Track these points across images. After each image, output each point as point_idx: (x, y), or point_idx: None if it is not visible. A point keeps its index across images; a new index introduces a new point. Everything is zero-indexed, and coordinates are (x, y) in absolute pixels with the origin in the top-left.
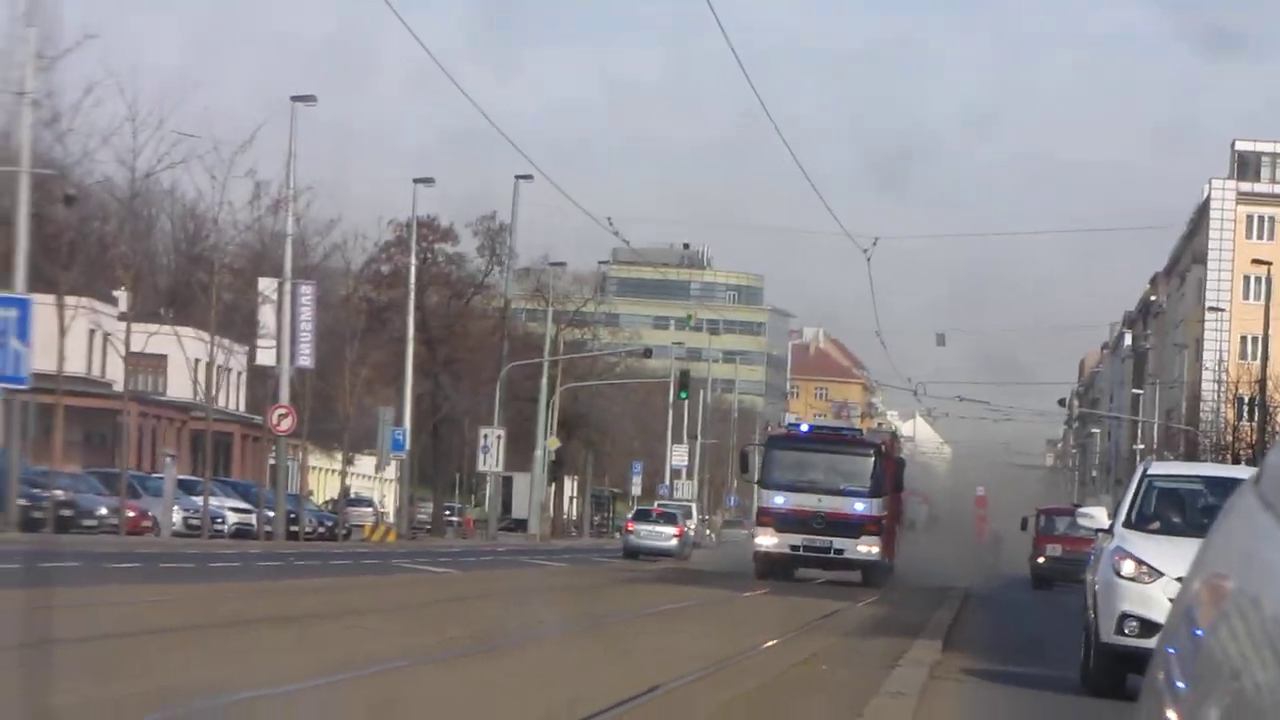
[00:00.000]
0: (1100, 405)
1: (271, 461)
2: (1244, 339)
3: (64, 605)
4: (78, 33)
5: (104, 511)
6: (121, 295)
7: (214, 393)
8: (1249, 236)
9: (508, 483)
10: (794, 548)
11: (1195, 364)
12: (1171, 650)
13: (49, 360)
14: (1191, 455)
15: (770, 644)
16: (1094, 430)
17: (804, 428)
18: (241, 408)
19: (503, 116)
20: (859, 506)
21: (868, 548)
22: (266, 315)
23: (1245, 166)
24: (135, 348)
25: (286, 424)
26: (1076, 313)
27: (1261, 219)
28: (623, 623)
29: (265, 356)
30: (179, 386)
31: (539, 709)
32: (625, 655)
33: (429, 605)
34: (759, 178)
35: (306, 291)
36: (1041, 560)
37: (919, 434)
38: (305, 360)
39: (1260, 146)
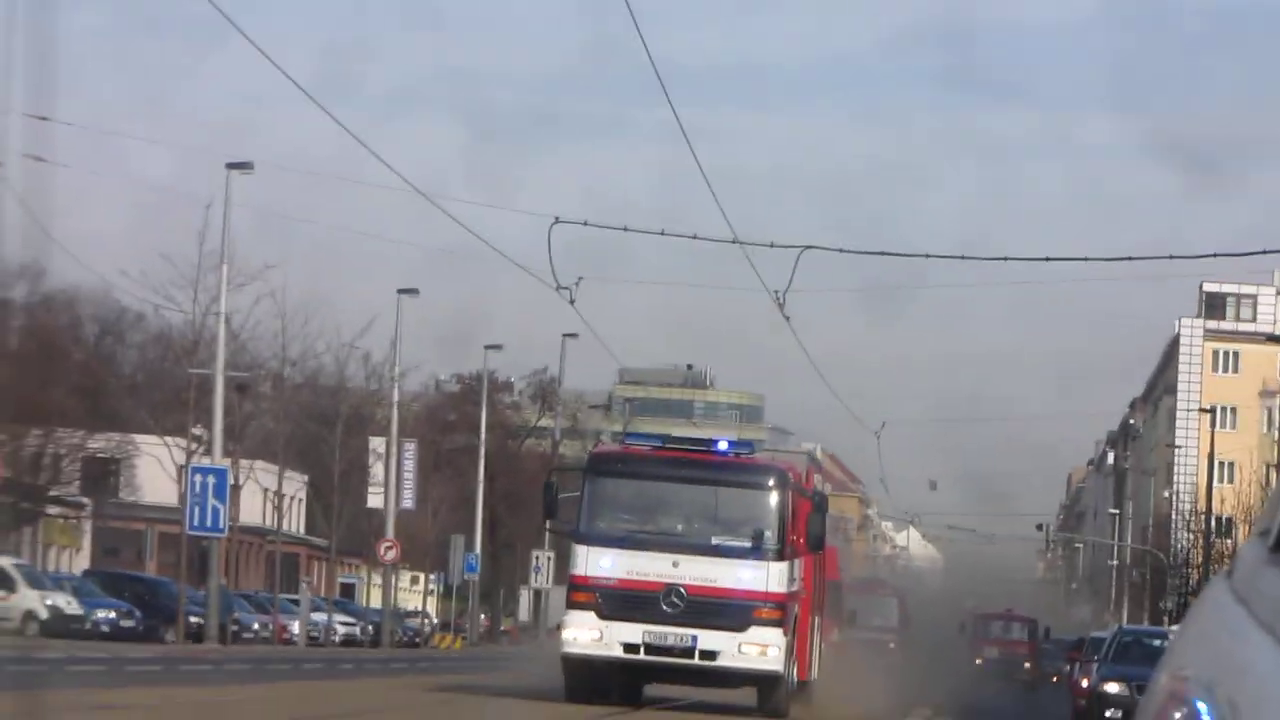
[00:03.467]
0: (1086, 519)
1: (346, 579)
2: (1219, 462)
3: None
4: (259, 263)
5: (257, 626)
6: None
7: (281, 519)
8: (1215, 370)
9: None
10: (630, 648)
11: (1165, 489)
12: None
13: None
14: (1158, 575)
15: None
16: (1079, 544)
17: (650, 443)
18: (301, 530)
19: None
20: (746, 575)
21: (760, 648)
22: (376, 467)
23: (1213, 307)
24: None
25: (392, 555)
26: (1065, 426)
27: (1227, 354)
28: None
29: (375, 500)
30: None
31: None
32: None
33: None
34: (746, 301)
35: (409, 448)
36: (979, 662)
37: (912, 544)
38: (408, 503)
39: (1225, 288)
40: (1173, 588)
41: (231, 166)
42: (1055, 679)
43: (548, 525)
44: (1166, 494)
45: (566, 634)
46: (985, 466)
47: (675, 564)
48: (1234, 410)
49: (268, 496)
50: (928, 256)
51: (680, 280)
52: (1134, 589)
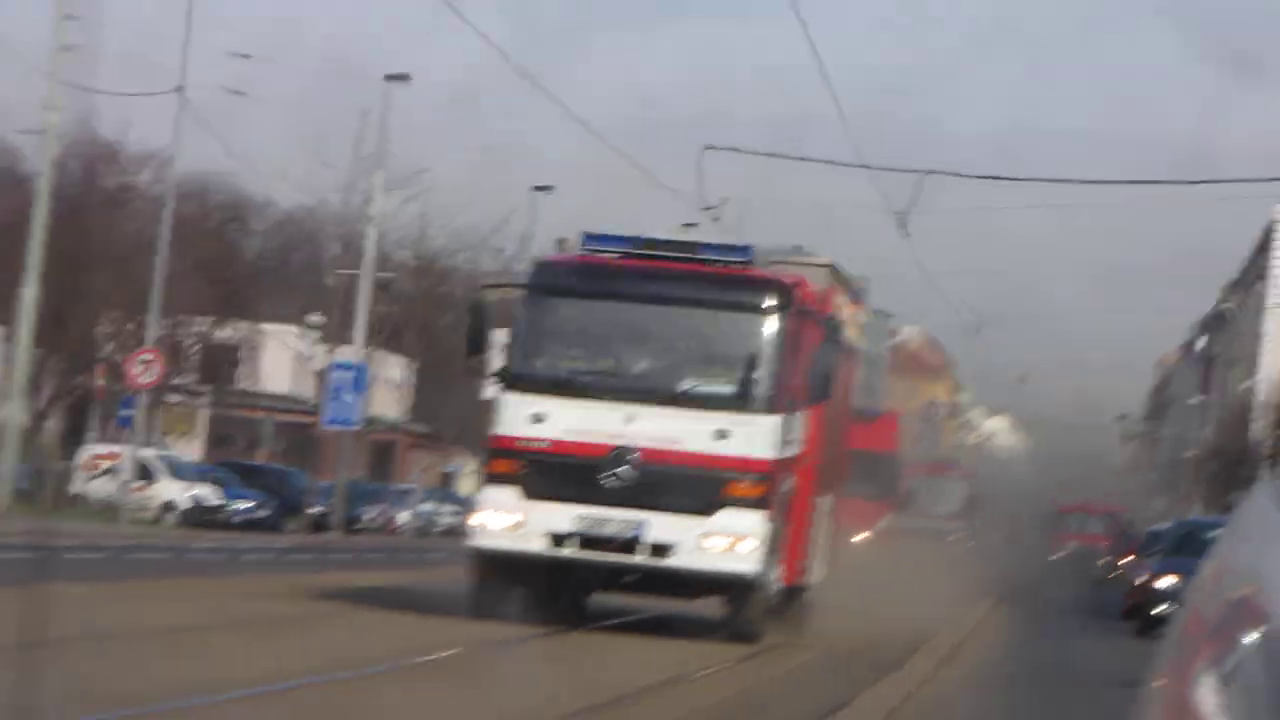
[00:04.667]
0: (1173, 406)
1: (447, 469)
2: None
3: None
4: (410, 168)
5: (367, 517)
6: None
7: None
8: None
9: None
10: (558, 539)
11: (1248, 379)
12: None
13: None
14: (1233, 467)
15: None
16: (1159, 436)
17: (614, 247)
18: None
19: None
20: (721, 433)
21: (729, 540)
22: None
23: None
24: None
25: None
26: (1155, 310)
27: None
28: None
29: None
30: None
31: None
32: None
33: None
34: (862, 213)
35: None
36: (1054, 557)
37: (999, 432)
38: None
39: None
40: (1242, 481)
41: (390, 78)
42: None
43: (470, 363)
44: (1243, 386)
45: (476, 519)
46: (1076, 359)
47: (630, 419)
48: None
49: (384, 386)
50: (1034, 181)
51: (798, 192)
52: (1210, 481)
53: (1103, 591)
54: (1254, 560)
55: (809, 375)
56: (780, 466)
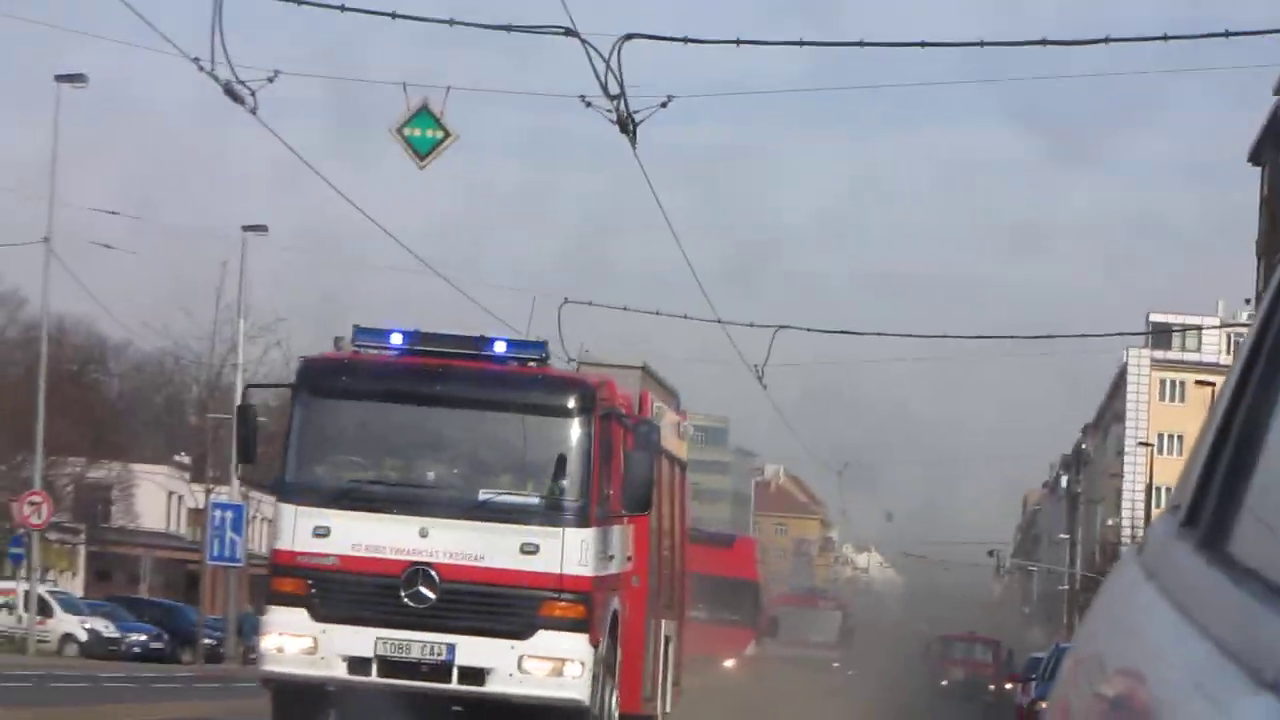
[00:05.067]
0: (1041, 541)
1: None
2: (1157, 489)
3: None
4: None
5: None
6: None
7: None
8: (1162, 399)
9: None
10: (358, 665)
11: (1113, 516)
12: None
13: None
14: None
15: None
16: (1032, 568)
17: (394, 339)
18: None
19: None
20: (530, 549)
21: (552, 665)
22: None
23: (1159, 338)
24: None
25: None
26: (1020, 447)
27: (1174, 383)
28: None
29: None
30: None
31: None
32: None
33: None
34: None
35: None
36: (944, 683)
37: (872, 568)
38: None
39: (1171, 318)
40: None
41: (247, 229)
42: None
43: (238, 472)
44: (1112, 522)
45: (266, 643)
46: (941, 497)
47: (424, 533)
48: (1181, 438)
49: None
50: (882, 336)
51: (654, 334)
52: (1084, 612)
53: (992, 716)
54: (1124, 633)
55: (625, 484)
56: (601, 584)
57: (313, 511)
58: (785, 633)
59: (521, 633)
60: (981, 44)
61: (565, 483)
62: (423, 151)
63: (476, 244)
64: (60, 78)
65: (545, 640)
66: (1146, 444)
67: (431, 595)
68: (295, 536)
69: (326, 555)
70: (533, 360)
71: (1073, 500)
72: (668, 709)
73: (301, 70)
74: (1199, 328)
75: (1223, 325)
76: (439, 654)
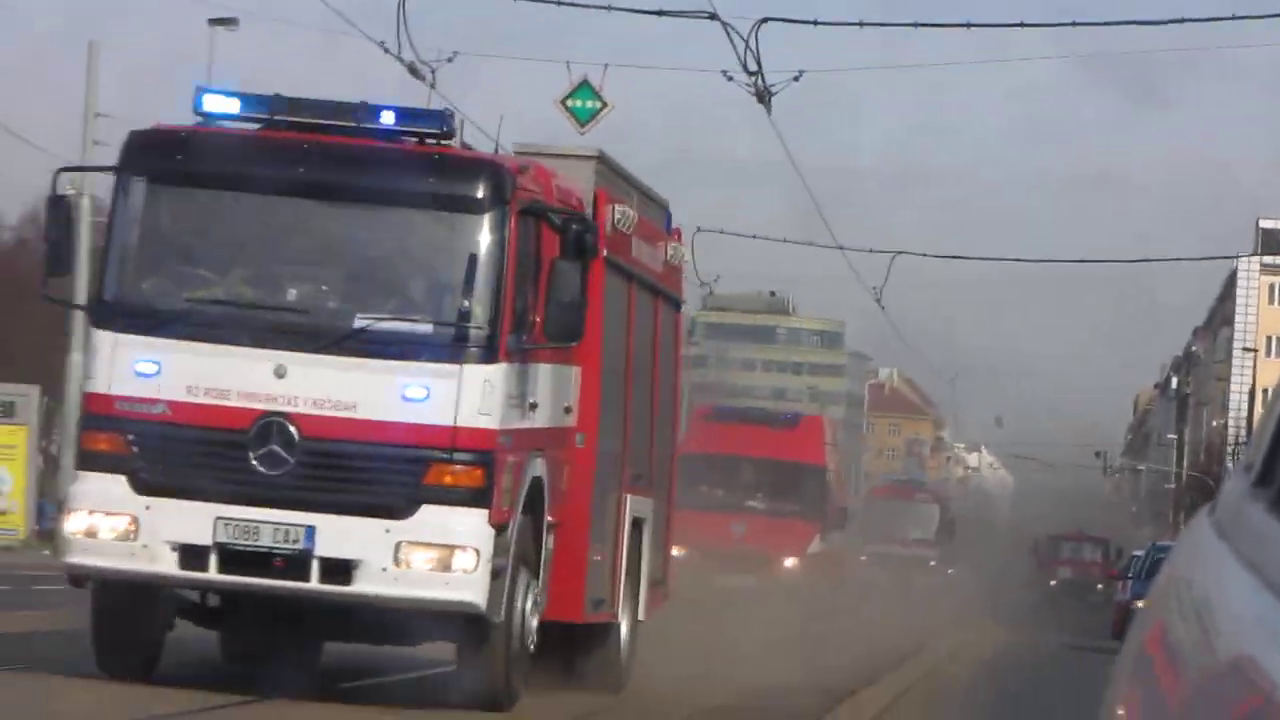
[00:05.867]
0: (1150, 442)
1: None
2: (1265, 392)
3: None
4: None
5: None
6: None
7: None
8: (1271, 303)
9: None
10: (192, 555)
11: (1219, 418)
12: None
13: None
14: (1210, 499)
15: None
16: (1140, 467)
17: (246, 114)
18: None
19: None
20: (415, 394)
21: (438, 554)
22: None
23: (1269, 243)
24: None
25: None
26: (1131, 348)
27: None
28: None
29: None
30: None
31: None
32: None
33: None
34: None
35: None
36: (1053, 583)
37: (983, 468)
38: None
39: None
40: None
41: (214, 22)
42: None
43: (46, 289)
44: (1217, 423)
45: (71, 524)
46: (1052, 398)
47: (281, 372)
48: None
49: None
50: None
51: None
52: (1189, 511)
53: (1099, 615)
54: (1197, 604)
55: (547, 302)
56: (513, 442)
57: (137, 341)
58: (876, 528)
59: (400, 510)
60: None
61: (468, 303)
62: (583, 120)
63: None
64: (213, 21)
65: (430, 520)
66: (1251, 349)
67: (289, 458)
68: (113, 376)
69: (154, 402)
70: (431, 135)
71: (1182, 401)
72: (641, 616)
73: (478, 50)
74: None
75: None
76: (295, 540)
